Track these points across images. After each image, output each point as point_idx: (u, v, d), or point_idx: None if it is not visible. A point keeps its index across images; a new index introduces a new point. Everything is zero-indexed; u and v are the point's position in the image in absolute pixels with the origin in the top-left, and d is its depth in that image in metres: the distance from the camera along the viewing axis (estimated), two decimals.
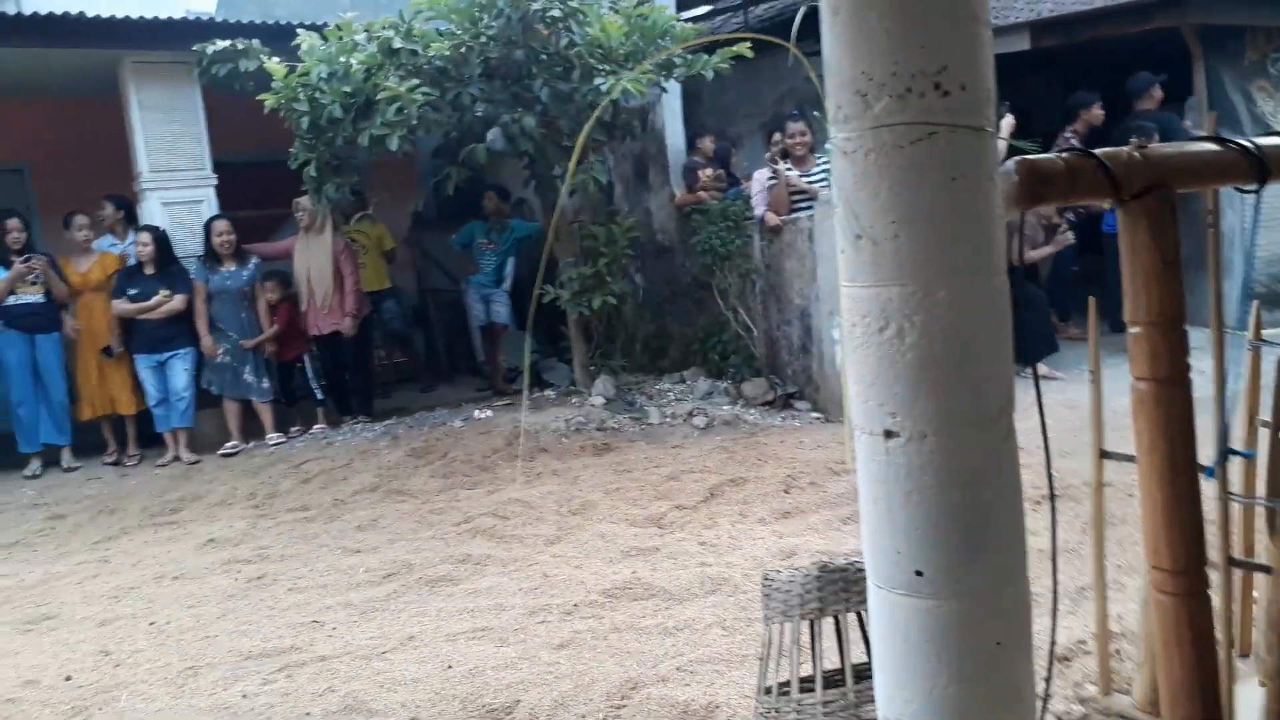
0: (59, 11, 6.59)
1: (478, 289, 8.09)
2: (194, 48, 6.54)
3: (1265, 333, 2.36)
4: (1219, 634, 1.70)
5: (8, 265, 6.55)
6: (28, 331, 6.62)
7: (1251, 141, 1.59)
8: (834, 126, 1.38)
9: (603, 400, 6.72)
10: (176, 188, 7.23)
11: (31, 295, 6.62)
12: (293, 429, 7.17)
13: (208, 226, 6.99)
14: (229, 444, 6.88)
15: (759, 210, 6.82)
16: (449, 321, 9.40)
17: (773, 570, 2.27)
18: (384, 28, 6.17)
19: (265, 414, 7.06)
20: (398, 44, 6.12)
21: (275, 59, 6.35)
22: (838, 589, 2.18)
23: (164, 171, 7.18)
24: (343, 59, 6.11)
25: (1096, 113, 7.40)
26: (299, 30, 6.37)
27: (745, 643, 3.15)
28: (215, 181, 7.34)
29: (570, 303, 6.92)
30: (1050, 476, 1.70)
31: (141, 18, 6.81)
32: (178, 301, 6.80)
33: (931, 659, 1.38)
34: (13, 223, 6.66)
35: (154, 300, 6.75)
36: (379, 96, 6.00)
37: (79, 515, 5.64)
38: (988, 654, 1.38)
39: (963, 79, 1.30)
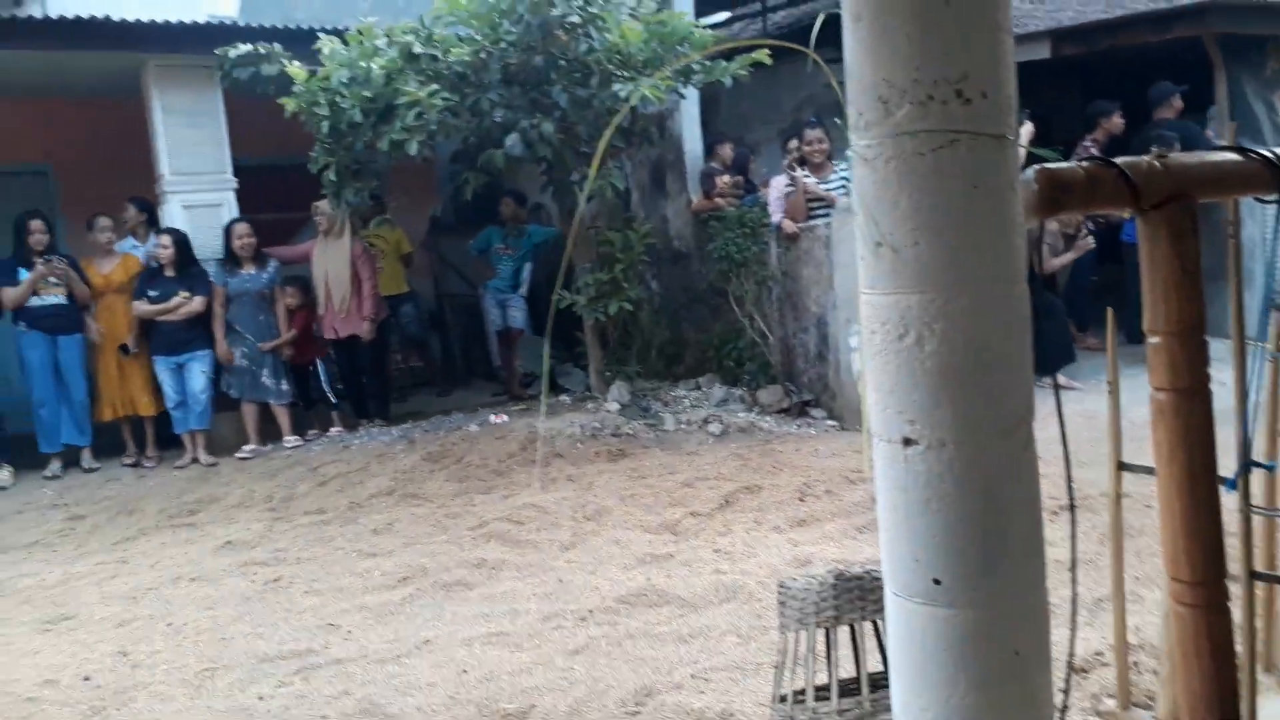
0: (84, 15, 6.64)
1: (494, 294, 8.13)
2: (216, 51, 6.59)
3: None
4: (1240, 648, 1.69)
5: (30, 266, 6.60)
6: (50, 332, 6.65)
7: (1273, 152, 1.58)
8: (855, 133, 1.38)
9: (618, 406, 6.72)
10: (197, 190, 7.27)
11: (54, 296, 6.65)
12: (310, 432, 7.20)
13: (228, 229, 7.03)
14: (246, 446, 6.92)
15: (776, 217, 6.81)
16: (466, 326, 9.44)
17: (789, 578, 2.26)
18: (404, 33, 6.20)
19: (283, 417, 7.09)
20: (418, 49, 6.15)
21: (296, 63, 6.38)
22: (853, 597, 2.18)
23: (185, 174, 7.22)
24: (363, 64, 6.14)
25: (1117, 121, 7.37)
26: (320, 34, 6.40)
27: (760, 650, 3.15)
28: (235, 185, 7.37)
29: (586, 308, 6.93)
30: (1070, 487, 1.70)
31: (165, 21, 6.88)
32: (197, 303, 6.84)
33: (948, 667, 1.37)
34: (36, 224, 6.70)
35: (173, 302, 6.79)
36: (399, 101, 6.03)
37: (98, 516, 5.68)
38: (1005, 663, 1.37)
39: (984, 87, 1.30)
